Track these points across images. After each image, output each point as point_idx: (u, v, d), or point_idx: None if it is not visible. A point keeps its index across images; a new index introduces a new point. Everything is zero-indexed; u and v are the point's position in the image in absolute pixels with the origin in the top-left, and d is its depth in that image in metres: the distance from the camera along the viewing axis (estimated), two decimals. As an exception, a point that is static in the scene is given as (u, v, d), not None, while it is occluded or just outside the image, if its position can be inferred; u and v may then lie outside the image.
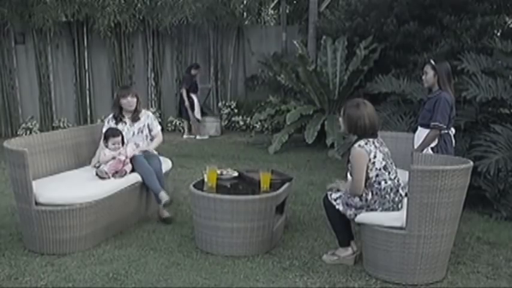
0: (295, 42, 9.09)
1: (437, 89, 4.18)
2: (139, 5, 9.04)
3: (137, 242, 4.02)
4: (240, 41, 10.88)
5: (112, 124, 4.63)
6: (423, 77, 4.31)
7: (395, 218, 3.30)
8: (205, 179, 4.08)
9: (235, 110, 10.49)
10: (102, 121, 4.75)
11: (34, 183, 3.75)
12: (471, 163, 3.36)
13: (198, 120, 9.32)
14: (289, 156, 7.57)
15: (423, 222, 3.21)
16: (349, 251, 3.64)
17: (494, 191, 4.71)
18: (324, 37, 8.62)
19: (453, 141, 4.21)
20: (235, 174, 4.38)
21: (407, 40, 7.37)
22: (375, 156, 3.35)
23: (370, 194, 3.39)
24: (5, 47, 9.41)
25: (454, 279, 3.42)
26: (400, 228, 3.27)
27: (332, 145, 7.42)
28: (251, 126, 9.83)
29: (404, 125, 5.62)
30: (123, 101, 4.61)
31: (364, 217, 3.42)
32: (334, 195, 3.58)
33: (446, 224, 3.26)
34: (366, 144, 3.36)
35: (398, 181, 3.44)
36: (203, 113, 9.53)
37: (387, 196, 3.39)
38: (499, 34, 6.71)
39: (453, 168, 3.19)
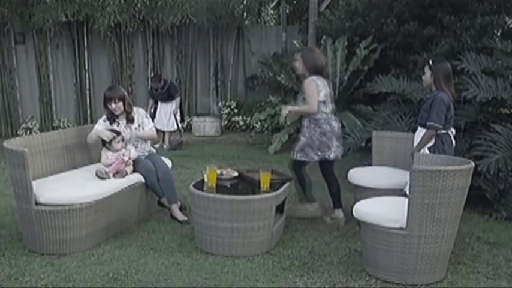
0: (295, 42, 9.09)
1: (435, 89, 4.18)
2: (139, 5, 9.02)
3: (137, 242, 4.02)
4: (240, 41, 10.88)
5: (107, 125, 4.59)
6: (422, 77, 4.31)
7: (395, 220, 3.30)
8: (205, 179, 4.09)
9: (235, 110, 10.49)
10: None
11: (34, 183, 3.75)
12: (472, 164, 3.35)
13: (157, 130, 8.49)
14: (289, 156, 7.55)
15: (424, 223, 3.21)
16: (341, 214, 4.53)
17: (494, 191, 4.71)
18: (324, 37, 8.62)
19: (453, 141, 4.19)
20: (235, 174, 4.38)
21: (407, 40, 7.36)
22: (320, 90, 4.26)
23: (308, 123, 4.32)
24: (5, 47, 9.42)
25: (454, 279, 3.42)
26: (400, 228, 3.27)
27: (332, 145, 7.42)
28: (251, 126, 9.83)
29: (404, 125, 5.62)
30: (109, 106, 4.55)
31: (364, 216, 3.43)
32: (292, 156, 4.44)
33: (447, 224, 3.26)
34: (317, 79, 4.29)
35: (331, 115, 4.37)
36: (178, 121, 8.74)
37: (323, 126, 4.30)
38: (499, 34, 6.71)
39: (454, 169, 3.18)
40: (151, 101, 8.54)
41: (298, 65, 4.45)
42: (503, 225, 4.47)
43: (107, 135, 4.38)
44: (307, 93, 4.28)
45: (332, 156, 4.42)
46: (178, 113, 8.63)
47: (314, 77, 4.29)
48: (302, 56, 4.42)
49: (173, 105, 8.40)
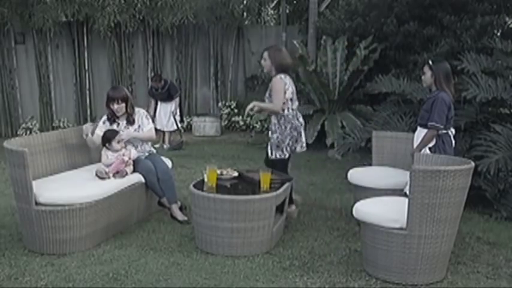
0: (295, 42, 9.08)
1: (435, 89, 4.18)
2: (139, 5, 9.02)
3: (137, 242, 4.02)
4: (240, 41, 10.88)
5: (107, 126, 4.58)
6: (422, 77, 4.31)
7: (395, 220, 3.30)
8: (205, 179, 4.08)
9: (235, 110, 10.49)
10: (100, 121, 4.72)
11: (34, 183, 3.75)
12: (472, 164, 3.36)
13: (157, 130, 8.47)
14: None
15: (424, 223, 3.21)
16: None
17: (494, 191, 4.70)
18: (324, 37, 8.61)
19: (453, 141, 4.20)
20: (235, 174, 4.38)
21: (407, 40, 7.36)
22: (287, 89, 4.40)
23: (277, 120, 4.42)
24: (5, 47, 9.41)
25: (454, 279, 3.42)
26: (400, 228, 3.27)
27: (332, 145, 7.42)
28: (251, 126, 9.83)
29: (404, 125, 5.62)
30: (112, 107, 4.54)
31: (364, 216, 3.43)
32: (271, 156, 4.47)
33: (447, 224, 3.26)
34: (285, 77, 4.43)
35: (297, 112, 4.53)
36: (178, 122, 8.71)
37: (293, 121, 4.44)
38: (499, 34, 6.71)
39: (455, 169, 3.18)
40: (153, 102, 8.53)
41: (265, 63, 4.52)
42: (503, 225, 4.47)
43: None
44: (274, 92, 4.40)
45: (299, 149, 4.56)
46: (178, 113, 8.63)
47: (282, 75, 4.42)
48: (269, 55, 4.49)
49: (172, 106, 8.40)
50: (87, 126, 4.55)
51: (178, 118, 8.59)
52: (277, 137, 4.43)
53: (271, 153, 4.48)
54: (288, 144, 4.45)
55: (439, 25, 6.94)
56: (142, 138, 4.66)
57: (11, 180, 3.88)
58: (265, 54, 4.54)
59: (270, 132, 4.52)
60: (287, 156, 4.49)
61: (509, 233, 4.27)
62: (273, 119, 4.49)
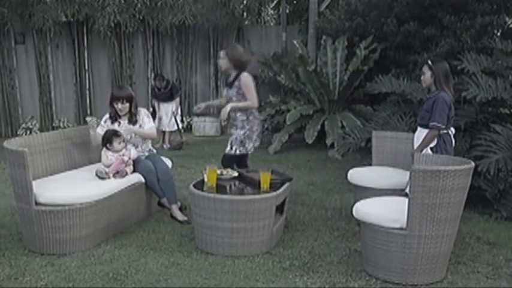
0: (295, 42, 9.09)
1: (435, 89, 4.18)
2: (139, 5, 9.02)
3: (137, 242, 4.02)
4: (240, 41, 10.87)
5: (109, 125, 4.59)
6: (422, 78, 4.31)
7: (395, 220, 3.30)
8: (205, 179, 4.08)
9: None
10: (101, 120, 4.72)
11: (34, 183, 3.75)
12: (472, 164, 3.35)
13: (162, 131, 8.47)
14: (289, 156, 7.57)
15: (424, 223, 3.21)
16: None
17: (494, 191, 4.70)
18: (324, 37, 8.62)
19: (453, 141, 4.21)
20: (235, 174, 4.38)
21: (407, 40, 7.37)
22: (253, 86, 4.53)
23: (246, 117, 4.53)
24: (5, 47, 9.42)
25: (454, 279, 3.42)
26: (400, 228, 3.27)
27: (332, 145, 7.42)
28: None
29: (404, 125, 5.62)
30: (115, 106, 4.54)
31: (364, 216, 3.43)
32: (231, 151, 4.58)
33: (447, 224, 3.26)
34: (250, 75, 4.51)
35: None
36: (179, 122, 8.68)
37: (258, 117, 4.62)
38: (499, 34, 6.71)
39: (455, 169, 3.18)
40: (155, 102, 8.51)
41: (223, 62, 4.58)
42: (503, 225, 4.47)
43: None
44: (248, 90, 4.48)
45: (257, 144, 4.71)
46: (179, 114, 8.63)
47: (245, 73, 4.51)
48: (226, 53, 4.56)
49: (173, 106, 8.40)
50: (93, 120, 4.54)
51: (179, 118, 8.60)
52: (245, 133, 4.55)
53: (232, 149, 4.58)
54: (252, 140, 4.59)
55: (439, 25, 6.95)
56: (143, 135, 4.65)
57: (11, 180, 3.88)
58: (222, 53, 4.61)
59: (234, 128, 4.61)
60: (245, 152, 4.61)
61: (509, 233, 4.27)
62: (241, 116, 4.56)
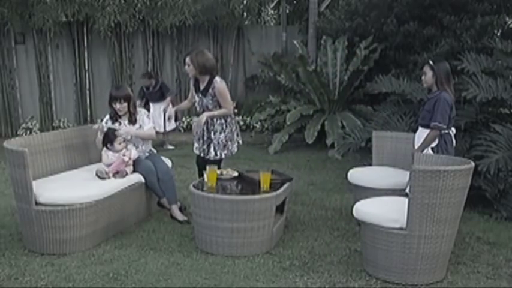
0: (295, 42, 9.09)
1: (436, 89, 4.18)
2: (139, 5, 9.01)
3: (137, 242, 4.02)
4: (240, 41, 10.87)
5: (109, 124, 4.58)
6: (422, 78, 4.31)
7: (395, 220, 3.30)
8: (205, 179, 4.09)
9: (235, 110, 10.46)
10: (102, 121, 4.72)
11: (34, 183, 3.75)
12: (473, 164, 3.35)
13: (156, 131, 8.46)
14: (289, 156, 7.57)
15: (424, 223, 3.21)
16: None
17: (494, 191, 4.70)
18: (324, 37, 8.62)
19: (453, 141, 4.21)
20: (235, 174, 4.38)
21: (407, 40, 7.36)
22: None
23: (224, 120, 4.57)
24: (5, 47, 9.42)
25: (454, 279, 3.42)
26: (400, 228, 3.27)
27: (332, 145, 7.42)
28: (251, 126, 9.83)
29: (404, 125, 5.62)
30: (114, 106, 4.55)
31: (364, 216, 3.43)
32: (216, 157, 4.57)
33: (447, 224, 3.26)
34: (222, 80, 4.54)
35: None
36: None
37: (235, 118, 4.71)
38: (499, 34, 6.71)
39: (455, 169, 3.18)
40: (139, 102, 8.05)
41: (189, 68, 4.52)
42: (503, 225, 4.47)
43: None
44: (223, 98, 4.49)
45: (240, 142, 4.79)
46: (168, 112, 8.45)
47: (218, 79, 4.50)
48: (191, 59, 4.50)
49: (165, 105, 8.22)
50: (102, 124, 4.54)
51: (167, 116, 8.40)
52: (226, 136, 4.58)
53: (216, 154, 4.57)
54: (234, 141, 4.65)
55: (439, 25, 6.95)
56: (142, 136, 4.65)
57: (11, 180, 3.88)
58: (187, 59, 4.55)
59: (212, 133, 4.58)
60: (229, 154, 4.64)
61: (509, 233, 4.27)
62: (219, 120, 4.57)
